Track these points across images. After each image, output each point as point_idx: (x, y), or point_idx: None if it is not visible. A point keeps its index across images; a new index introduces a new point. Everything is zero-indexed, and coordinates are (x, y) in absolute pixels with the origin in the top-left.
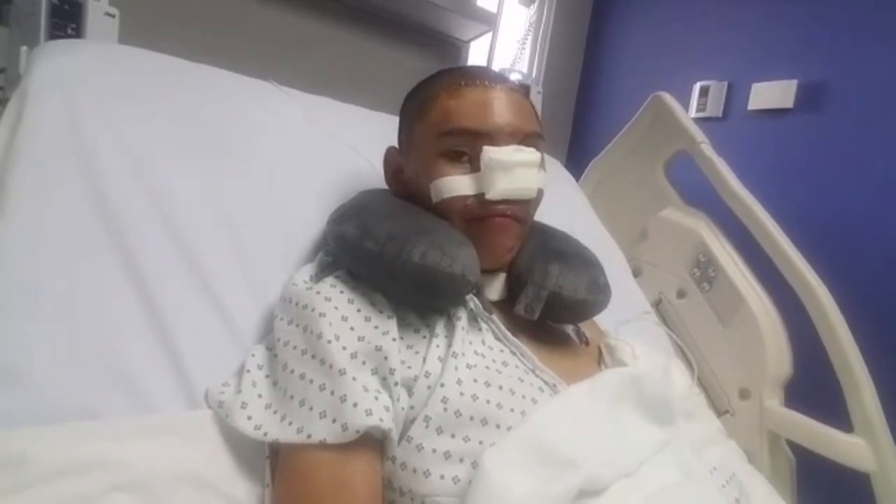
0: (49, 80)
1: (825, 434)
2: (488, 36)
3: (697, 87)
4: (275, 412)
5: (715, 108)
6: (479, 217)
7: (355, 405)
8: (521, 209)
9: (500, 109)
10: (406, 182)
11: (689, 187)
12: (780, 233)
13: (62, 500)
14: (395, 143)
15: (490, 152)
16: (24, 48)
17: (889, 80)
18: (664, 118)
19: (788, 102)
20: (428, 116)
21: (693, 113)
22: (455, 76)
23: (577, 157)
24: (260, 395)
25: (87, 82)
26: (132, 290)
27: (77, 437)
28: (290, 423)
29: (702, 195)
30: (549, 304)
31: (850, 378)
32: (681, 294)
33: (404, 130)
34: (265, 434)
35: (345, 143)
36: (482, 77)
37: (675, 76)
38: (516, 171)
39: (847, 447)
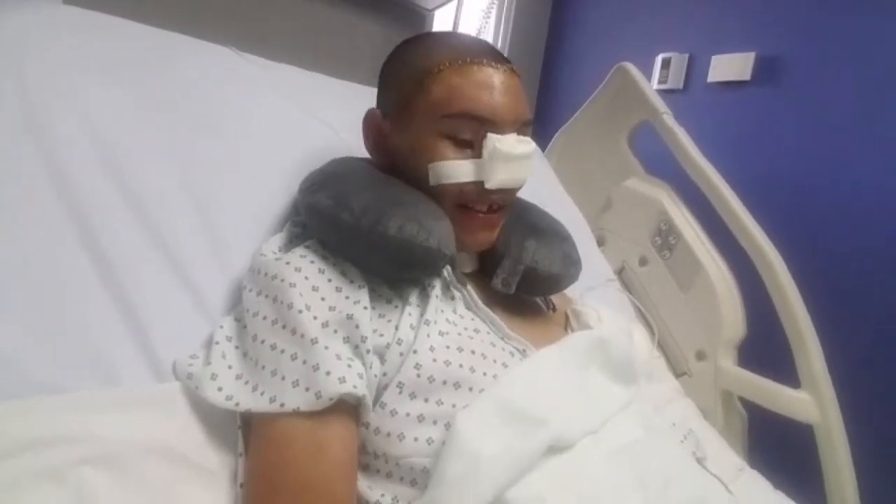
0: None
1: (774, 390)
2: (453, 4)
3: (660, 58)
4: (246, 382)
5: (676, 80)
6: (470, 205)
7: (328, 373)
8: (510, 195)
9: (506, 96)
10: (392, 151)
11: (652, 158)
12: (736, 200)
13: (31, 474)
14: (361, 110)
15: (495, 141)
16: None
17: (845, 53)
18: (628, 89)
19: (746, 75)
20: (430, 92)
21: (655, 85)
22: (460, 50)
23: (542, 128)
24: (230, 367)
25: (36, 48)
26: (93, 265)
27: (44, 412)
28: (263, 393)
29: (664, 165)
30: (524, 278)
31: (798, 337)
32: (643, 262)
33: (393, 96)
34: (237, 404)
35: (308, 112)
36: (488, 56)
37: (639, 48)
38: (516, 162)
39: (794, 402)
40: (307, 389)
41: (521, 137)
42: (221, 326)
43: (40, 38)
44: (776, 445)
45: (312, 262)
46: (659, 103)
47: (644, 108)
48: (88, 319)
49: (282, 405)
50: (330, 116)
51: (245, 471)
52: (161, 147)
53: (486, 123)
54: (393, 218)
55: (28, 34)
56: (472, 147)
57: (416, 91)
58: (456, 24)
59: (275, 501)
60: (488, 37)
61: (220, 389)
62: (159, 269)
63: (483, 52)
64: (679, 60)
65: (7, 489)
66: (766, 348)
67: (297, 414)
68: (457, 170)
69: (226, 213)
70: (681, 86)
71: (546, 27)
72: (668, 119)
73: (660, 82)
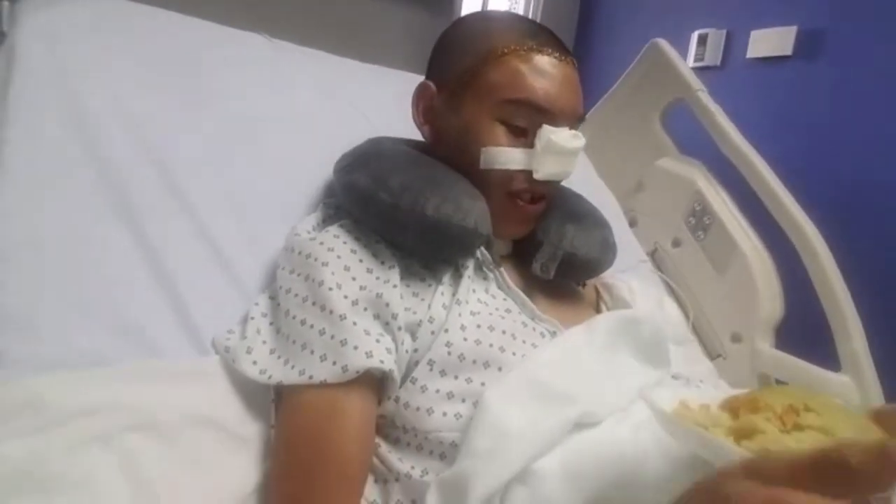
0: (36, 37)
1: (814, 373)
2: None
3: (696, 35)
4: (278, 357)
5: (713, 56)
6: (515, 192)
7: (356, 348)
8: (555, 187)
9: (566, 89)
10: (441, 127)
11: (686, 137)
12: (775, 179)
13: (79, 440)
14: (391, 94)
15: (550, 134)
16: (4, 2)
17: (889, 25)
18: (661, 66)
19: (787, 49)
20: (491, 74)
21: (691, 62)
22: (526, 35)
23: None
24: (264, 342)
25: (74, 37)
26: (133, 242)
27: (90, 381)
28: (293, 367)
29: (698, 144)
30: (562, 263)
31: (840, 319)
32: (676, 243)
33: (450, 70)
34: (269, 377)
35: (338, 97)
36: (553, 45)
37: (673, 24)
38: (567, 156)
39: (834, 385)
40: (334, 363)
41: (575, 132)
42: (257, 303)
43: (79, 26)
44: None
45: (345, 242)
46: (693, 80)
47: (678, 85)
48: (133, 296)
49: (310, 377)
50: (360, 101)
51: (273, 438)
52: (196, 131)
53: (543, 114)
54: (431, 198)
55: (69, 23)
56: (525, 135)
57: (476, 71)
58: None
59: (291, 461)
60: (518, 12)
61: (254, 363)
62: (198, 250)
63: (548, 42)
64: (716, 36)
65: (63, 452)
66: (804, 331)
67: (323, 386)
68: (508, 157)
69: (260, 195)
70: (718, 63)
71: (578, 4)
72: (704, 96)
73: (696, 60)
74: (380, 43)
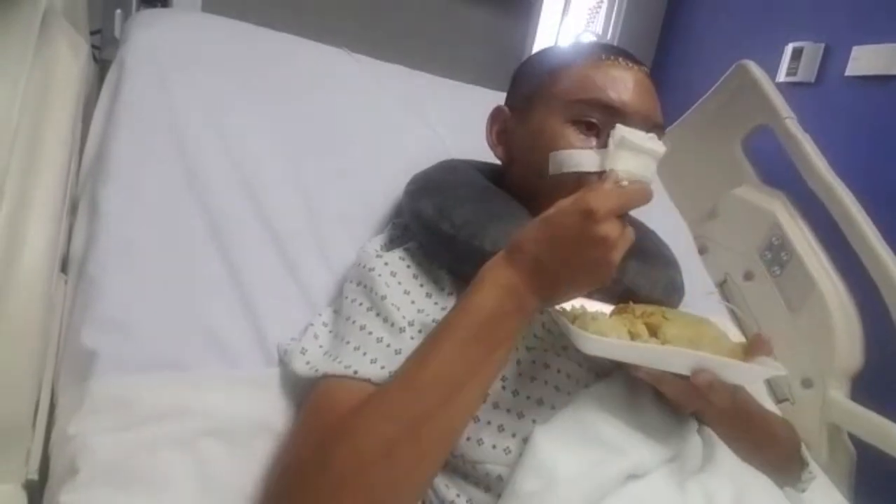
0: (143, 53)
1: (891, 431)
2: None
3: (790, 48)
4: (329, 355)
5: (808, 72)
6: None
7: None
8: None
9: (639, 92)
10: (512, 145)
11: (769, 164)
12: (864, 217)
13: (159, 440)
14: (468, 113)
15: (623, 130)
16: (118, 11)
17: None
18: (748, 89)
19: (893, 69)
20: (561, 82)
21: (783, 77)
22: (595, 49)
23: None
24: (321, 346)
25: (177, 54)
26: (216, 253)
27: (172, 385)
28: (340, 362)
29: (782, 174)
30: (620, 299)
31: None
32: (748, 276)
33: (523, 90)
34: (316, 371)
35: (417, 116)
36: (623, 55)
37: (766, 36)
38: (643, 157)
39: None
40: (382, 367)
41: (652, 135)
42: (320, 314)
43: (181, 43)
44: (888, 490)
45: (409, 266)
46: (783, 107)
47: (765, 110)
48: (214, 307)
49: (355, 372)
50: (437, 121)
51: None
52: (280, 149)
53: (615, 114)
54: (489, 233)
55: (173, 40)
56: (597, 136)
57: (546, 83)
58: (566, 10)
59: (297, 434)
60: (598, 24)
61: (307, 363)
62: (275, 266)
63: (620, 53)
64: (812, 50)
65: (145, 450)
66: (884, 384)
67: (364, 380)
68: (578, 158)
69: (332, 215)
70: (812, 79)
71: (662, 15)
72: (792, 125)
73: (788, 74)
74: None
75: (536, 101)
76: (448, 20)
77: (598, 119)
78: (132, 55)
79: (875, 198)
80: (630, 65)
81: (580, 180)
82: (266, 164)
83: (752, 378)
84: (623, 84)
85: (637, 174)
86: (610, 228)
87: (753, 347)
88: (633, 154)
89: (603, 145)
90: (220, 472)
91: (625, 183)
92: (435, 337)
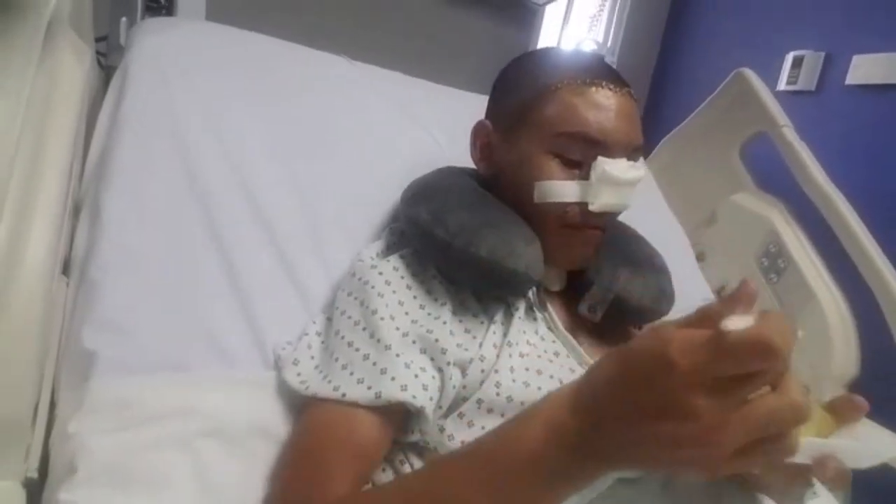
0: (146, 60)
1: (888, 440)
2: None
3: (790, 56)
4: (320, 371)
5: (808, 80)
6: (574, 225)
7: (393, 379)
8: (612, 218)
9: (621, 120)
10: (497, 163)
11: (766, 172)
12: (861, 227)
13: (158, 441)
14: (467, 120)
15: (605, 165)
16: (123, 19)
17: None
18: (746, 97)
19: (894, 78)
20: (545, 108)
21: (783, 85)
22: (579, 70)
23: (648, 133)
24: (312, 357)
25: (180, 62)
26: (216, 255)
27: (172, 386)
28: (329, 382)
29: (779, 181)
30: (611, 307)
31: None
32: None
33: (506, 108)
34: (307, 388)
35: (415, 123)
36: (607, 77)
37: (766, 45)
38: (623, 187)
39: None
40: (369, 388)
41: (632, 163)
42: (314, 322)
43: (185, 51)
44: (885, 499)
45: (402, 276)
46: (779, 114)
47: (763, 118)
48: (214, 310)
49: (343, 395)
50: (436, 128)
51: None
52: (276, 150)
53: (597, 146)
54: (485, 240)
55: (176, 48)
56: (580, 168)
57: (530, 107)
58: (567, 17)
59: (281, 459)
60: (599, 31)
61: (298, 374)
62: (275, 270)
63: (603, 74)
64: (813, 59)
65: (145, 450)
66: (880, 392)
67: (352, 404)
68: (562, 190)
69: (331, 220)
70: (813, 87)
71: (663, 24)
72: (789, 133)
73: (788, 83)
74: (462, 60)
75: (519, 125)
76: (450, 28)
77: (579, 153)
78: (136, 62)
79: (875, 205)
80: (614, 88)
81: (564, 209)
82: (264, 166)
83: (875, 461)
84: (605, 114)
85: (616, 204)
86: (703, 399)
87: (844, 414)
88: (613, 186)
89: (585, 176)
90: (219, 473)
91: (733, 333)
92: (453, 463)
